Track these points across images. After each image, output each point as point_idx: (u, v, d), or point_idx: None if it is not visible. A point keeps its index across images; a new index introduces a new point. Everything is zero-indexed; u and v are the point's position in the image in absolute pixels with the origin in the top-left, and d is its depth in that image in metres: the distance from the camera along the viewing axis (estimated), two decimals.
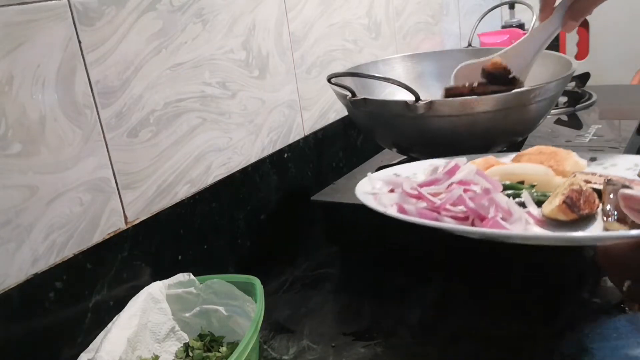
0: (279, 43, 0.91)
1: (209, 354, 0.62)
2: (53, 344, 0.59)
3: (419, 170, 0.70)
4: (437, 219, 0.54)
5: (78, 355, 0.58)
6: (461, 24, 1.59)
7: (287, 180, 0.93)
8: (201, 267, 0.72)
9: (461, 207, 0.54)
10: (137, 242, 0.68)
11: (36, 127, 0.57)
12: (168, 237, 0.72)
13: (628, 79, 1.67)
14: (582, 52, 1.80)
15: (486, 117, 0.74)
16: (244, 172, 0.84)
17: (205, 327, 0.65)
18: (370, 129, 0.87)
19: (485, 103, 0.73)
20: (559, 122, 1.09)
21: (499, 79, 0.78)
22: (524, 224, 0.54)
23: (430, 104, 0.72)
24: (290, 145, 0.94)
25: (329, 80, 0.79)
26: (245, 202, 0.84)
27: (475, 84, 0.79)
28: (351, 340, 0.65)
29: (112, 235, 0.65)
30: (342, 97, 0.82)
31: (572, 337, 0.61)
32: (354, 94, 0.79)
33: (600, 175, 0.60)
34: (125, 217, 0.67)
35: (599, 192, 0.56)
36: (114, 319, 0.60)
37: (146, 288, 0.64)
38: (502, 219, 0.54)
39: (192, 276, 0.65)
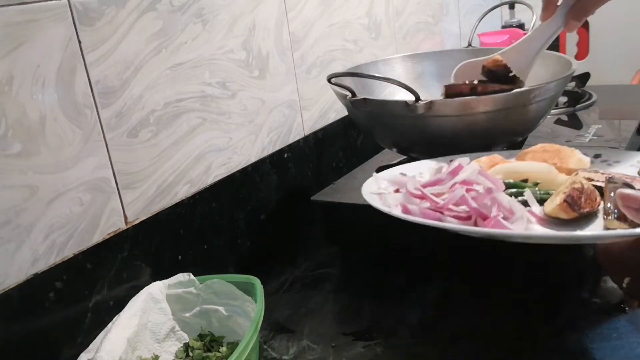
0: (279, 43, 0.91)
1: (209, 354, 0.62)
2: (53, 344, 0.59)
3: (425, 169, 0.70)
4: (440, 219, 0.54)
5: (78, 355, 0.58)
6: (461, 24, 1.59)
7: (287, 180, 0.93)
8: (201, 267, 0.72)
9: (464, 207, 0.55)
10: (137, 242, 0.68)
11: (36, 127, 0.57)
12: (168, 237, 0.72)
13: (628, 79, 1.67)
14: (582, 52, 1.80)
15: (486, 117, 0.74)
16: (244, 172, 0.84)
17: (205, 327, 0.65)
18: (370, 129, 0.87)
19: (485, 103, 0.73)
20: (559, 122, 1.09)
21: (499, 77, 0.78)
22: (526, 223, 0.55)
23: (430, 104, 0.72)
24: (290, 145, 0.94)
25: (329, 80, 0.79)
26: (245, 202, 0.84)
27: (476, 82, 0.79)
28: (351, 340, 0.65)
29: (112, 235, 0.65)
30: (342, 97, 0.82)
31: (572, 337, 0.61)
32: (354, 94, 0.79)
33: (603, 173, 0.60)
34: (125, 217, 0.67)
35: (601, 190, 0.56)
36: (114, 319, 0.60)
37: (146, 288, 0.64)
38: (504, 218, 0.54)
39: (192, 276, 0.65)
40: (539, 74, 0.81)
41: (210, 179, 0.79)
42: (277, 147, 0.92)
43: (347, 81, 0.81)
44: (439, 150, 0.82)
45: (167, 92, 0.72)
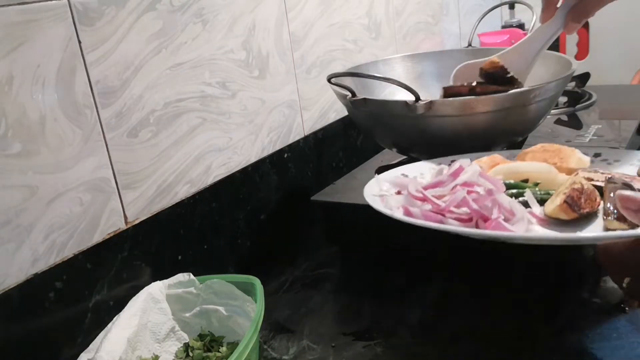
0: (279, 43, 0.91)
1: (209, 354, 0.62)
2: (53, 344, 0.59)
3: (426, 170, 0.70)
4: (441, 221, 0.55)
5: (78, 355, 0.58)
6: (461, 24, 1.59)
7: (287, 180, 0.93)
8: (201, 267, 0.72)
9: (465, 209, 0.55)
10: (137, 242, 0.68)
11: (36, 127, 0.57)
12: (168, 237, 0.72)
13: (628, 79, 1.67)
14: (582, 52, 1.80)
15: (486, 117, 0.74)
16: (244, 172, 0.84)
17: (205, 327, 0.65)
18: (370, 129, 0.87)
19: (485, 103, 0.73)
20: (559, 122, 1.09)
21: (496, 78, 0.78)
22: (527, 224, 0.55)
23: (430, 104, 0.72)
24: (290, 145, 0.94)
25: (329, 80, 0.79)
26: (245, 202, 0.84)
27: (474, 84, 0.79)
28: (351, 340, 0.65)
29: (112, 235, 0.65)
30: (342, 97, 0.82)
31: (572, 337, 0.61)
32: (354, 94, 0.79)
33: (602, 173, 0.60)
34: (125, 217, 0.67)
35: (601, 190, 0.56)
36: (114, 319, 0.60)
37: (146, 288, 0.64)
38: (505, 219, 0.54)
39: (192, 276, 0.65)
40: (539, 74, 0.81)
41: (210, 179, 0.79)
42: (277, 147, 0.92)
43: (347, 81, 0.81)
44: (439, 150, 0.82)
45: (167, 92, 0.72)
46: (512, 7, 1.71)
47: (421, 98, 0.72)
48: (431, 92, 0.84)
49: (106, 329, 0.59)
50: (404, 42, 1.28)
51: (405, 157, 0.94)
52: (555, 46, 1.72)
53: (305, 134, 0.98)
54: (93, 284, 0.63)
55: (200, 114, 0.77)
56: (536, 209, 0.57)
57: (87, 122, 0.62)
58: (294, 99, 0.95)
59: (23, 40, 0.56)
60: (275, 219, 0.90)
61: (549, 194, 0.59)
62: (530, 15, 1.06)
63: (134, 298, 0.62)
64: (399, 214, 0.57)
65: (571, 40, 1.79)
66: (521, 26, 1.66)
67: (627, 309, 0.63)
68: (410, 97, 0.72)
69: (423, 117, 0.74)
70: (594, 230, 0.54)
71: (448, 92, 0.79)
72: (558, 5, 0.72)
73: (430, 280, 0.74)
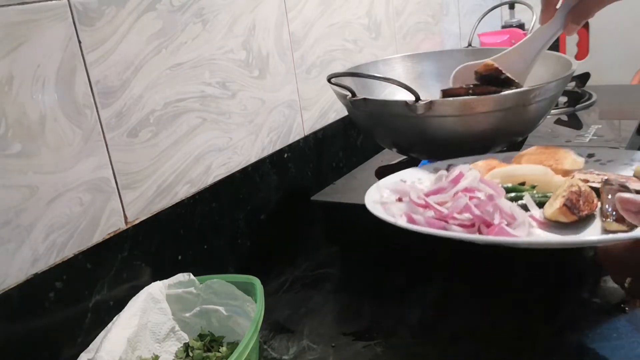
0: (279, 43, 0.91)
1: (209, 354, 0.62)
2: (53, 344, 0.59)
3: (423, 174, 0.71)
4: (445, 228, 0.55)
5: (78, 355, 0.58)
6: (461, 24, 1.59)
7: (287, 180, 0.93)
8: (201, 267, 0.72)
9: (467, 215, 0.55)
10: (137, 242, 0.68)
11: (36, 127, 0.57)
12: (168, 237, 0.72)
13: (628, 79, 1.67)
14: (582, 52, 1.80)
15: (486, 117, 0.74)
16: (244, 172, 0.84)
17: (205, 327, 0.65)
18: (370, 129, 0.87)
19: (485, 103, 0.73)
20: (559, 122, 1.09)
21: (491, 80, 0.79)
22: (528, 228, 0.55)
23: (430, 104, 0.72)
24: (290, 145, 0.94)
25: (329, 80, 0.79)
26: (245, 202, 0.84)
27: (472, 86, 0.80)
28: (351, 340, 0.65)
29: (112, 235, 0.65)
30: (342, 97, 0.82)
31: (572, 337, 0.61)
32: (354, 94, 0.79)
33: (598, 174, 0.61)
34: (125, 217, 0.67)
35: (597, 191, 0.57)
36: (114, 319, 0.60)
37: (146, 288, 0.64)
38: (507, 224, 0.54)
39: (192, 276, 0.65)
40: (539, 74, 0.81)
41: (210, 179, 0.79)
42: (277, 147, 0.92)
43: (347, 81, 0.81)
44: (439, 151, 0.82)
45: (167, 92, 0.72)
46: (512, 7, 1.71)
47: (421, 98, 0.72)
48: (431, 92, 0.84)
49: (106, 329, 0.59)
50: (404, 42, 1.28)
51: (405, 157, 0.94)
52: (555, 46, 1.72)
53: (305, 134, 0.98)
54: (93, 284, 0.63)
55: (200, 114, 0.77)
56: (535, 212, 0.58)
57: (87, 122, 0.62)
58: (294, 99, 0.95)
59: (23, 40, 0.56)
60: (275, 219, 0.90)
61: (546, 197, 0.59)
62: (530, 15, 1.06)
63: (134, 298, 0.62)
64: (402, 222, 0.57)
65: (571, 40, 1.79)
66: (521, 26, 1.66)
67: (627, 309, 0.63)
68: (410, 97, 0.72)
69: (423, 117, 0.74)
70: (592, 232, 0.54)
71: (447, 95, 0.79)
72: (558, 6, 0.72)
73: (430, 280, 0.74)
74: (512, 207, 0.56)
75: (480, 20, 1.21)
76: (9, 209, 0.55)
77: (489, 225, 0.54)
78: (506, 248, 0.56)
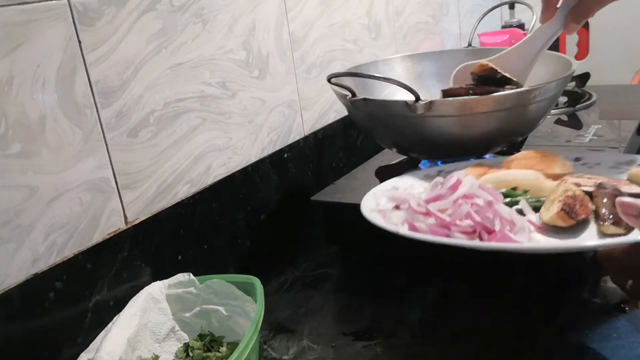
0: (279, 43, 0.91)
1: (209, 354, 0.62)
2: (53, 344, 0.59)
3: (415, 181, 0.71)
4: (448, 235, 0.55)
5: (78, 355, 0.58)
6: (461, 24, 1.59)
7: (287, 180, 0.93)
8: (201, 267, 0.72)
9: (468, 222, 0.55)
10: (137, 242, 0.68)
11: (36, 127, 0.57)
12: (168, 237, 0.72)
13: (628, 79, 1.67)
14: (582, 52, 1.80)
15: (486, 117, 0.74)
16: (244, 172, 0.84)
17: (205, 327, 0.65)
18: (370, 129, 0.87)
19: (485, 103, 0.73)
20: (559, 122, 1.09)
21: (488, 80, 0.79)
22: (528, 233, 0.55)
23: (430, 104, 0.72)
24: (290, 145, 0.94)
25: (329, 80, 0.79)
26: (245, 202, 0.84)
27: (472, 86, 0.80)
28: (351, 340, 0.65)
29: (112, 235, 0.65)
30: (342, 97, 0.82)
31: (572, 337, 0.61)
32: (354, 94, 0.79)
33: (589, 178, 0.61)
34: (125, 217, 0.67)
35: (590, 195, 0.57)
36: (114, 319, 0.60)
37: (146, 288, 0.64)
38: (508, 230, 0.54)
39: (192, 276, 0.65)
40: (539, 74, 0.81)
41: (210, 179, 0.79)
42: (277, 147, 0.92)
43: (347, 81, 0.81)
44: (439, 151, 0.82)
45: (167, 92, 0.72)
46: (512, 7, 1.71)
47: (421, 98, 0.72)
48: (431, 92, 0.84)
49: (106, 329, 0.59)
50: (404, 42, 1.28)
51: (405, 157, 0.94)
52: (555, 46, 1.72)
53: (305, 134, 0.98)
54: (93, 284, 0.63)
55: (200, 114, 0.77)
56: (532, 216, 0.58)
57: (87, 122, 0.62)
58: (294, 99, 0.95)
59: (23, 40, 0.56)
60: (275, 219, 0.90)
61: (539, 201, 0.60)
62: (530, 15, 1.06)
63: (134, 298, 0.62)
64: (404, 230, 0.57)
65: (571, 40, 1.79)
66: (521, 26, 1.66)
67: (627, 309, 0.63)
68: (410, 97, 0.72)
69: (423, 117, 0.74)
70: (589, 235, 0.55)
71: (447, 95, 0.79)
72: (558, 5, 0.72)
73: (430, 280, 0.74)
74: (511, 213, 0.57)
75: (480, 20, 1.21)
76: (9, 209, 0.55)
77: (489, 231, 0.54)
78: (508, 253, 0.56)
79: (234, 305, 0.63)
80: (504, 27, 1.71)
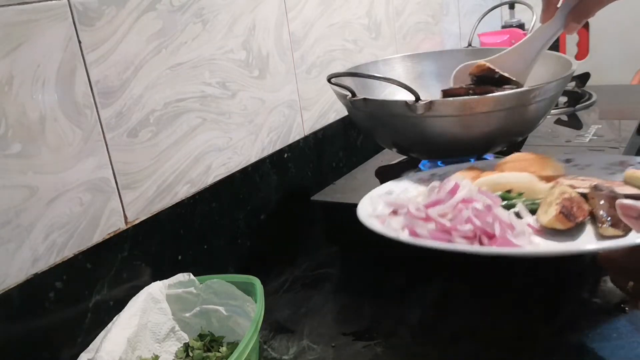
0: (279, 43, 0.91)
1: (209, 354, 0.62)
2: (53, 344, 0.59)
3: (409, 185, 0.70)
4: (449, 240, 0.55)
5: (78, 355, 0.58)
6: (461, 24, 1.59)
7: (287, 180, 0.93)
8: (201, 267, 0.72)
9: (469, 226, 0.55)
10: (137, 242, 0.68)
11: (36, 127, 0.57)
12: (168, 237, 0.72)
13: (628, 79, 1.67)
14: (582, 52, 1.80)
15: (486, 117, 0.74)
16: (244, 172, 0.84)
17: (205, 327, 0.65)
18: (370, 129, 0.87)
19: (485, 103, 0.73)
20: (559, 122, 1.09)
21: (487, 80, 0.79)
22: (528, 237, 0.55)
23: (430, 104, 0.72)
24: (290, 145, 0.94)
25: (329, 80, 0.79)
26: (245, 202, 0.84)
27: (473, 85, 0.80)
28: (351, 340, 0.65)
29: (112, 235, 0.65)
30: (342, 97, 0.82)
31: (572, 337, 0.61)
32: (354, 94, 0.79)
33: (583, 179, 0.61)
34: (125, 217, 0.67)
35: (585, 196, 0.57)
36: (114, 319, 0.60)
37: (146, 288, 0.64)
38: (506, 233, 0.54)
39: (192, 276, 0.65)
40: (539, 74, 0.81)
41: (210, 179, 0.79)
42: (277, 147, 0.92)
43: (347, 81, 0.81)
44: (439, 151, 0.82)
45: (167, 92, 0.72)
46: (512, 7, 1.71)
47: (421, 98, 0.72)
48: (431, 92, 0.84)
49: (106, 329, 0.59)
50: (404, 42, 1.28)
51: (405, 157, 0.94)
52: (555, 46, 1.72)
53: (305, 134, 0.98)
54: (93, 284, 0.63)
55: (200, 114, 0.77)
56: (529, 219, 0.58)
57: (87, 122, 0.62)
58: (294, 99, 0.95)
59: (23, 40, 0.56)
60: (275, 219, 0.90)
61: (535, 204, 0.59)
62: (530, 15, 1.06)
63: (134, 298, 0.62)
64: (405, 236, 0.56)
65: (571, 40, 1.79)
66: (521, 26, 1.66)
67: (627, 309, 0.63)
68: (410, 97, 0.72)
69: (423, 117, 0.74)
70: (587, 237, 0.55)
71: (447, 95, 0.79)
72: (558, 5, 0.72)
73: (430, 280, 0.74)
74: (510, 217, 0.56)
75: (480, 20, 1.21)
76: (9, 209, 0.55)
77: (490, 235, 0.54)
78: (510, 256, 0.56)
79: (234, 305, 0.63)
80: (504, 27, 1.71)
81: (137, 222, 0.68)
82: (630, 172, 0.60)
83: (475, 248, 0.54)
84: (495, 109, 0.73)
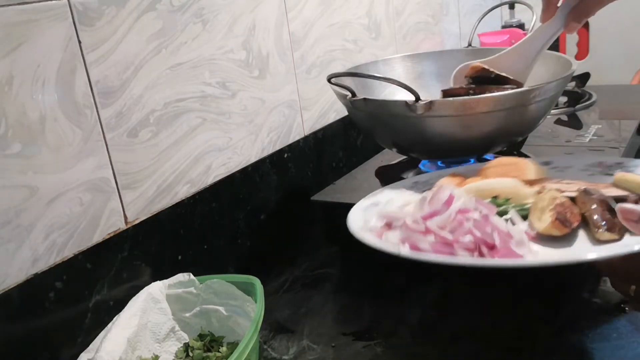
0: (279, 43, 0.91)
1: (209, 354, 0.62)
2: (53, 344, 0.59)
3: (394, 195, 0.68)
4: (452, 253, 0.53)
5: (78, 355, 0.58)
6: (461, 24, 1.59)
7: (287, 180, 0.93)
8: (201, 267, 0.72)
9: (469, 237, 0.53)
10: (137, 242, 0.68)
11: (36, 127, 0.57)
12: (168, 237, 0.72)
13: (628, 79, 1.67)
14: (582, 52, 1.80)
15: (486, 117, 0.74)
16: (244, 172, 0.84)
17: (205, 327, 0.65)
18: (370, 129, 0.87)
19: (485, 103, 0.73)
20: (559, 122, 1.09)
21: (483, 80, 0.79)
22: (528, 245, 0.54)
23: (430, 104, 0.72)
24: (290, 145, 0.94)
25: (329, 80, 0.79)
26: (245, 202, 0.84)
27: (473, 85, 0.80)
28: (351, 340, 0.65)
29: (112, 235, 0.65)
30: (342, 97, 0.82)
31: (572, 337, 0.61)
32: (354, 94, 0.79)
33: (569, 183, 0.61)
34: (125, 217, 0.67)
35: (573, 200, 0.57)
36: (114, 319, 0.60)
37: (146, 288, 0.64)
38: (505, 242, 0.53)
39: (192, 276, 0.65)
40: (539, 74, 0.81)
41: (210, 179, 0.79)
42: (277, 147, 0.92)
43: (347, 81, 0.81)
44: (439, 151, 0.82)
45: (167, 92, 0.72)
46: (512, 7, 1.71)
47: (421, 98, 0.72)
48: (431, 92, 0.84)
49: (106, 329, 0.59)
50: (404, 42, 1.28)
51: (405, 157, 0.94)
52: (555, 46, 1.72)
53: (305, 134, 0.98)
54: (93, 284, 0.63)
55: (200, 114, 0.77)
56: (522, 226, 0.56)
57: (87, 122, 0.62)
58: (294, 99, 0.95)
59: (23, 40, 0.56)
60: (275, 219, 0.90)
61: (524, 209, 0.58)
62: (530, 15, 1.06)
63: (134, 298, 0.62)
64: (406, 251, 0.54)
65: (571, 40, 1.79)
66: (521, 26, 1.66)
67: (627, 309, 0.63)
68: (410, 97, 0.72)
69: (423, 117, 0.74)
70: (582, 241, 0.53)
71: (447, 95, 0.79)
72: (558, 4, 0.72)
73: (430, 280, 0.74)
74: (508, 225, 0.55)
75: (480, 20, 1.21)
76: (9, 209, 0.55)
77: (490, 246, 0.53)
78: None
79: (234, 305, 0.63)
80: (504, 27, 1.71)
81: (137, 222, 0.68)
82: (620, 175, 0.59)
83: (482, 261, 0.52)
84: (495, 109, 0.73)
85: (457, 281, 0.74)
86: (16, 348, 0.55)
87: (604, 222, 0.52)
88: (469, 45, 1.20)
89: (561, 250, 0.54)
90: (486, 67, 0.79)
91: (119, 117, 0.66)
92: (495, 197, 0.62)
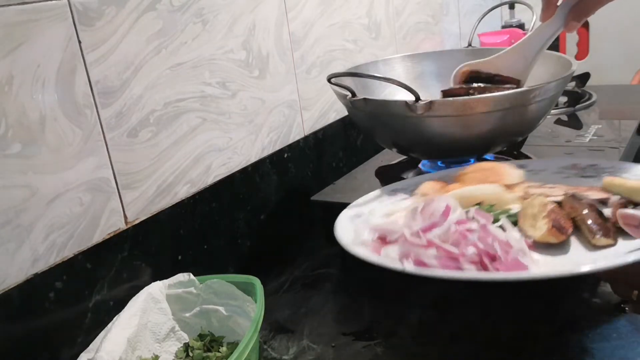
0: (279, 43, 0.91)
1: (209, 354, 0.62)
2: (53, 344, 0.59)
3: (375, 205, 0.67)
4: (459, 268, 0.52)
5: (78, 355, 0.58)
6: (461, 24, 1.59)
7: (287, 180, 0.93)
8: (201, 267, 0.72)
9: (472, 249, 0.53)
10: (137, 242, 0.68)
11: (36, 127, 0.57)
12: (168, 237, 0.72)
13: (628, 79, 1.67)
14: (582, 52, 1.80)
15: (486, 117, 0.74)
16: (244, 172, 0.84)
17: (205, 327, 0.65)
18: (370, 129, 0.87)
19: (485, 103, 0.73)
20: (559, 122, 1.09)
21: (479, 80, 0.80)
22: (529, 254, 0.53)
23: (430, 104, 0.72)
24: (290, 145, 0.94)
25: (329, 80, 0.79)
26: (245, 202, 0.84)
27: (474, 85, 0.80)
28: (351, 340, 0.65)
29: (112, 235, 0.65)
30: (342, 97, 0.82)
31: (572, 337, 0.61)
32: (354, 94, 0.79)
33: (551, 187, 0.61)
34: (125, 217, 0.67)
35: (559, 204, 0.57)
36: (114, 319, 0.60)
37: (146, 288, 0.64)
38: (505, 252, 0.52)
39: (192, 276, 0.65)
40: (539, 74, 0.81)
41: (210, 179, 0.79)
42: (277, 147, 0.92)
43: (347, 81, 0.81)
44: (438, 151, 0.82)
45: (167, 92, 0.72)
46: (512, 7, 1.71)
47: (421, 98, 0.72)
48: (431, 92, 0.84)
49: (106, 329, 0.59)
50: (404, 42, 1.28)
51: (405, 157, 0.94)
52: (555, 46, 1.72)
53: (305, 134, 0.98)
54: (93, 284, 0.63)
55: (200, 114, 0.77)
56: (515, 233, 0.55)
57: (87, 122, 0.62)
58: (294, 99, 0.95)
59: (23, 40, 0.56)
60: (275, 219, 0.90)
61: (511, 216, 0.58)
62: (530, 15, 1.06)
63: (134, 298, 0.62)
64: (411, 267, 0.53)
65: (571, 40, 1.79)
66: (521, 26, 1.66)
67: (627, 309, 0.63)
68: (410, 97, 0.72)
69: (423, 117, 0.74)
70: (577, 247, 0.53)
71: (447, 95, 0.79)
72: (558, 4, 0.72)
73: (431, 280, 0.74)
74: (507, 235, 0.54)
75: (480, 20, 1.21)
76: (9, 209, 0.55)
77: (492, 257, 0.52)
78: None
79: (234, 305, 0.63)
80: (504, 27, 1.71)
81: (137, 222, 0.68)
82: (609, 179, 0.59)
83: (493, 275, 0.51)
84: (495, 109, 0.73)
85: (457, 281, 0.74)
86: (16, 348, 0.55)
87: (598, 228, 0.52)
88: (469, 45, 1.20)
89: (560, 257, 0.53)
90: (475, 68, 0.79)
91: (119, 117, 0.66)
92: (478, 204, 0.61)
